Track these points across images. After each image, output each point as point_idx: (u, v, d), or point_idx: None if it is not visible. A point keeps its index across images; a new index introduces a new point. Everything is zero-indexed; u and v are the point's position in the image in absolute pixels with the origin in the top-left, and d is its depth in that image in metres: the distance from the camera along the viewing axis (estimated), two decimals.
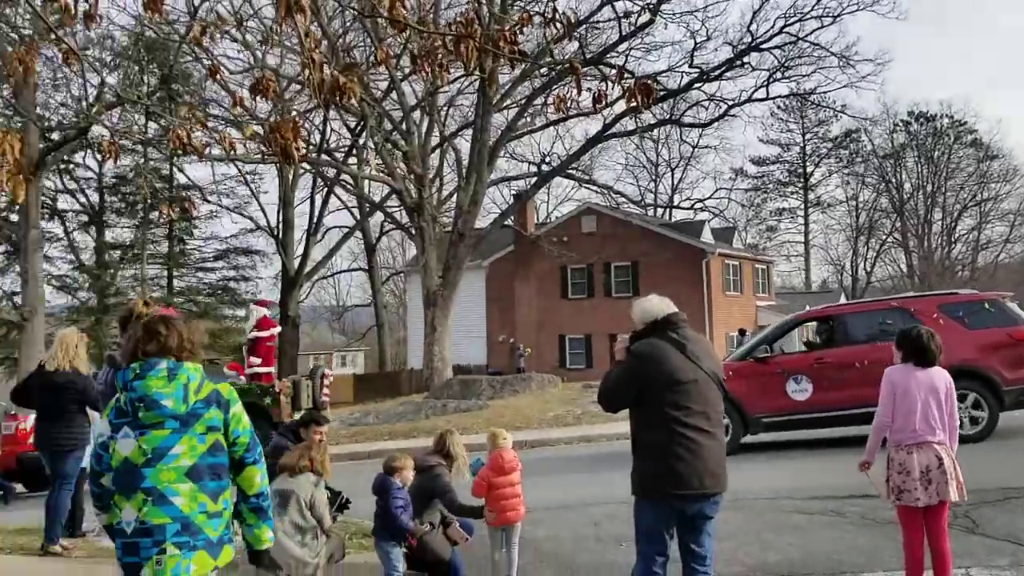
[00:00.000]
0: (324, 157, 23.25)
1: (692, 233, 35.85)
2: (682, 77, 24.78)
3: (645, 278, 32.28)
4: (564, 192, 76.90)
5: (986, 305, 11.03)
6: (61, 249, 38.46)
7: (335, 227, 42.72)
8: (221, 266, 41.78)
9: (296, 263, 36.54)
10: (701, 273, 33.01)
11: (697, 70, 24.15)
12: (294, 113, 18.60)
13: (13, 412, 15.74)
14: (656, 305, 4.40)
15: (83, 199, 38.40)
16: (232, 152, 7.14)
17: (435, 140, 26.44)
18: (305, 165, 28.85)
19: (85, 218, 38.82)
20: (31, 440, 14.54)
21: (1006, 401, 10.37)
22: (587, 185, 30.60)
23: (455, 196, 25.12)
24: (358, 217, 37.87)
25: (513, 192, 32.99)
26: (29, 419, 15.02)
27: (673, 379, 4.15)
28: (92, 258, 38.49)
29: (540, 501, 8.53)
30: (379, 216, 37.42)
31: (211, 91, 26.63)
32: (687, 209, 46.33)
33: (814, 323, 12.95)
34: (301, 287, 37.74)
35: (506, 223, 28.20)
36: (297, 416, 13.42)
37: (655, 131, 36.63)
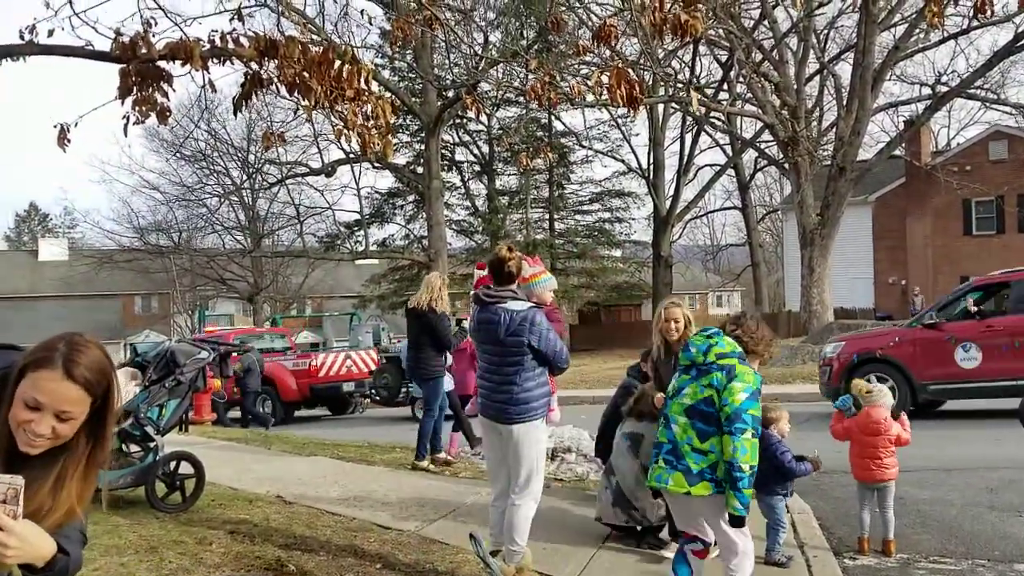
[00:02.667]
0: (694, 95, 22.81)
1: None
2: None
3: None
4: (968, 115, 68.21)
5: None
6: (459, 197, 42.55)
7: (706, 166, 42.17)
8: (596, 208, 43.30)
9: (667, 203, 36.64)
10: None
11: None
12: (661, 52, 18.42)
13: (306, 351, 18.36)
14: None
15: (476, 150, 41.98)
16: (583, 100, 7.22)
17: (811, 68, 24.69)
18: (674, 105, 28.63)
19: (478, 168, 42.45)
20: (322, 374, 17.02)
21: None
22: (995, 106, 26.59)
23: (835, 127, 23.31)
24: (730, 154, 36.93)
25: (903, 118, 29.79)
26: (319, 357, 17.49)
27: None
28: (485, 204, 42.05)
29: (925, 460, 7.86)
30: (753, 153, 36.11)
31: (584, 39, 27.37)
32: None
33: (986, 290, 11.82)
34: (673, 227, 37.83)
35: (895, 153, 25.64)
36: None
37: None
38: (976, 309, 11.16)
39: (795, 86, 22.72)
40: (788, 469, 5.21)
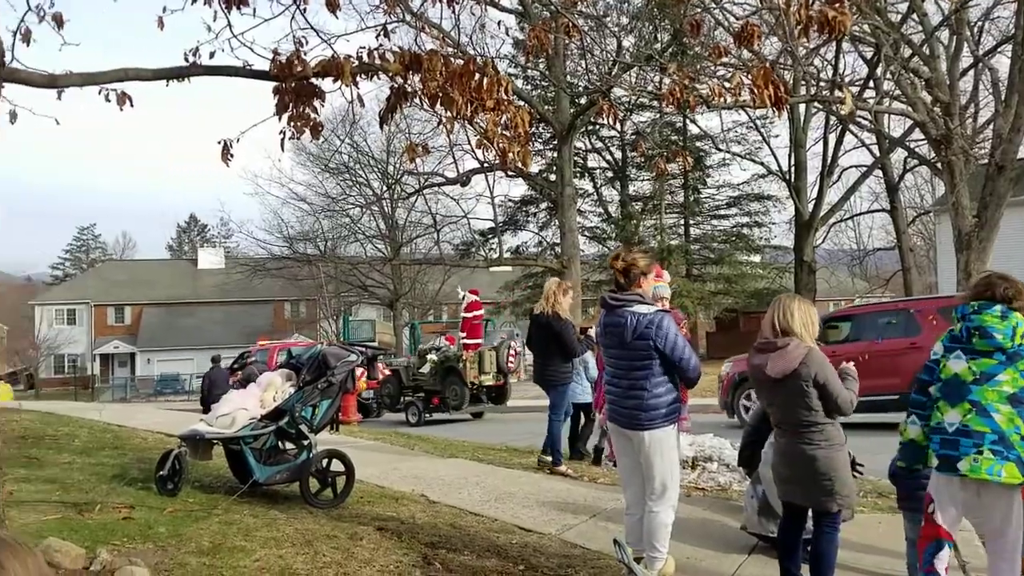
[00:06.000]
0: (838, 94, 21.95)
1: None
2: None
3: None
4: None
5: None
6: (591, 203, 42.56)
7: (852, 167, 40.34)
8: (734, 213, 42.36)
9: (810, 207, 35.37)
10: None
11: None
12: (802, 51, 17.79)
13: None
14: None
15: (608, 156, 41.86)
16: (723, 102, 7.09)
17: (965, 62, 23.29)
18: (816, 105, 27.64)
19: (610, 174, 42.32)
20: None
21: None
22: None
23: (992, 124, 21.90)
24: (877, 155, 35.28)
25: None
26: None
27: None
28: (618, 210, 41.85)
29: None
30: (902, 153, 34.40)
31: (720, 40, 26.78)
32: None
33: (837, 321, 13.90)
34: (816, 231, 36.47)
35: None
36: (483, 378, 17.51)
37: None
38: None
39: (948, 81, 21.49)
40: None
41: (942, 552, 4.01)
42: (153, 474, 6.52)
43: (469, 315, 18.19)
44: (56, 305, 59.41)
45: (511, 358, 18.22)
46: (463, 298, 18.65)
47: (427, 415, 17.73)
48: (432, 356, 18.29)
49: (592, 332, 8.43)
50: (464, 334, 18.04)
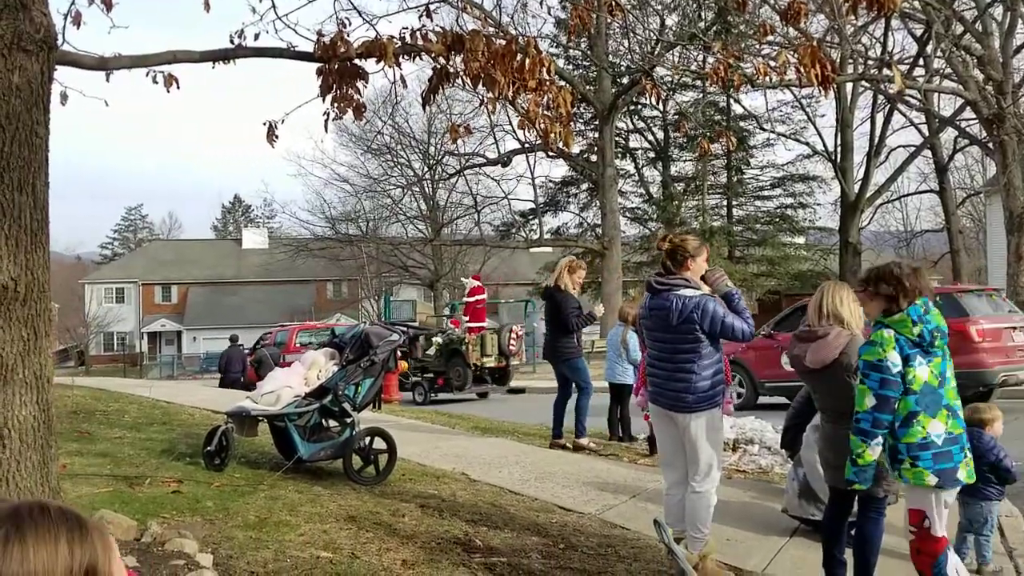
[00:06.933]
0: (887, 72, 21.49)
1: None
2: None
3: None
4: None
5: (937, 299, 11.43)
6: (633, 184, 42.25)
7: (899, 146, 39.43)
8: (778, 194, 41.70)
9: (856, 187, 34.75)
10: None
11: None
12: (849, 28, 17.44)
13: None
14: None
15: (650, 137, 41.47)
16: (769, 81, 6.99)
17: (1020, 39, 22.64)
18: (864, 84, 27.11)
19: (652, 154, 41.94)
20: None
21: None
22: None
23: None
24: (926, 134, 34.50)
25: None
26: None
27: None
28: (659, 191, 41.49)
29: None
30: (952, 132, 33.58)
31: (767, 18, 26.31)
32: None
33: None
34: (863, 212, 35.84)
35: None
36: (485, 360, 17.99)
37: None
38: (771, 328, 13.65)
39: (1001, 59, 20.94)
40: (1007, 470, 4.81)
41: (952, 560, 3.93)
42: (201, 449, 6.66)
43: (472, 299, 18.98)
44: (105, 284, 60.70)
45: (512, 341, 18.77)
46: (467, 285, 19.45)
47: (432, 395, 18.32)
48: (437, 339, 18.94)
49: (597, 311, 8.69)
50: (468, 318, 18.81)
